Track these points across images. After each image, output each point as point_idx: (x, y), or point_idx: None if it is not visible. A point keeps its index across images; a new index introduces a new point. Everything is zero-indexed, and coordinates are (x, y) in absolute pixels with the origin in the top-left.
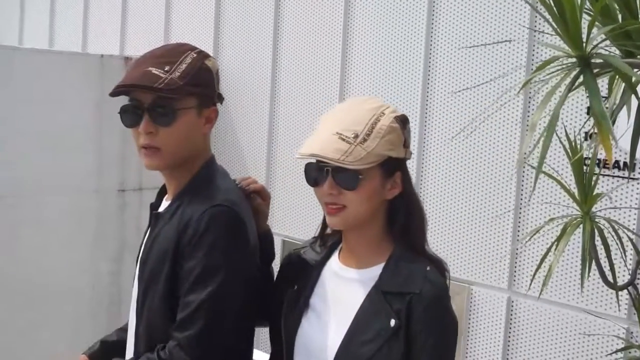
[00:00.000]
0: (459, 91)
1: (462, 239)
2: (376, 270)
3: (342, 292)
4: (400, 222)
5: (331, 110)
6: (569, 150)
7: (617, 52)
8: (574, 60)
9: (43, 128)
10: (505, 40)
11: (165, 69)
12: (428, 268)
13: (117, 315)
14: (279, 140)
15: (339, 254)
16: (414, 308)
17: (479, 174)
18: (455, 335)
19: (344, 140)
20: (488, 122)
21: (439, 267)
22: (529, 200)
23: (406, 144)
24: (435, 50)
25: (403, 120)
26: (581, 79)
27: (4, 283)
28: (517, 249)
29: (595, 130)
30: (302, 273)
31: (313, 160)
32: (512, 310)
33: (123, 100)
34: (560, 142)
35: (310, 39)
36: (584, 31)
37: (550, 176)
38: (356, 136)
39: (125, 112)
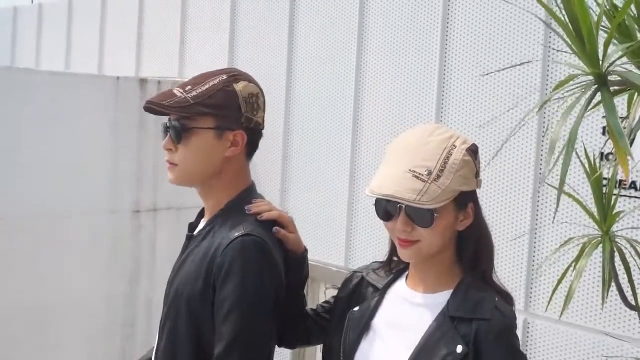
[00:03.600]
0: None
1: None
2: (444, 296)
3: (408, 316)
4: (470, 251)
5: (399, 141)
6: (588, 170)
7: (635, 69)
8: (590, 78)
9: (59, 150)
10: (521, 64)
11: (186, 89)
12: (497, 299)
13: (131, 336)
14: (294, 159)
15: (406, 279)
16: (482, 336)
17: (496, 189)
18: None
19: (417, 178)
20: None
21: (507, 299)
22: (552, 221)
23: (477, 175)
24: (450, 76)
25: (474, 151)
26: (598, 97)
27: (20, 303)
28: (533, 269)
29: (614, 150)
30: (365, 295)
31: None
32: (528, 332)
33: (137, 122)
34: (580, 161)
35: (325, 56)
36: (601, 49)
37: (570, 196)
38: (430, 173)
39: (162, 130)
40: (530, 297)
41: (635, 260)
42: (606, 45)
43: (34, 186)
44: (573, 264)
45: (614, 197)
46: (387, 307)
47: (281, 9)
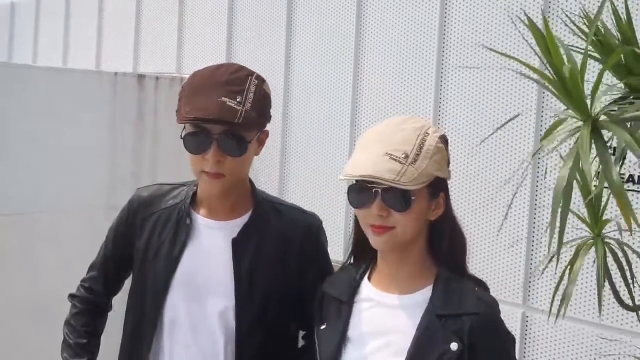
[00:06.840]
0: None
1: (477, 254)
2: (422, 295)
3: (389, 321)
4: (444, 243)
5: (372, 131)
6: (578, 177)
7: None
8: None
9: (57, 145)
10: (514, 117)
11: (238, 100)
12: (476, 288)
13: None
14: (292, 153)
15: (370, 280)
16: (475, 331)
17: (492, 195)
18: (515, 349)
19: (395, 160)
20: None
21: (484, 287)
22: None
23: (448, 164)
24: (447, 72)
25: (446, 141)
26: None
27: (18, 300)
28: (531, 266)
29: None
30: (329, 310)
31: (353, 182)
32: (527, 326)
33: (134, 118)
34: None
35: (323, 50)
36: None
37: (560, 206)
38: (406, 156)
39: (192, 139)
40: (529, 291)
41: (628, 261)
42: (594, 92)
43: (31, 182)
44: (568, 267)
45: (604, 200)
46: (360, 315)
47: (279, 3)
